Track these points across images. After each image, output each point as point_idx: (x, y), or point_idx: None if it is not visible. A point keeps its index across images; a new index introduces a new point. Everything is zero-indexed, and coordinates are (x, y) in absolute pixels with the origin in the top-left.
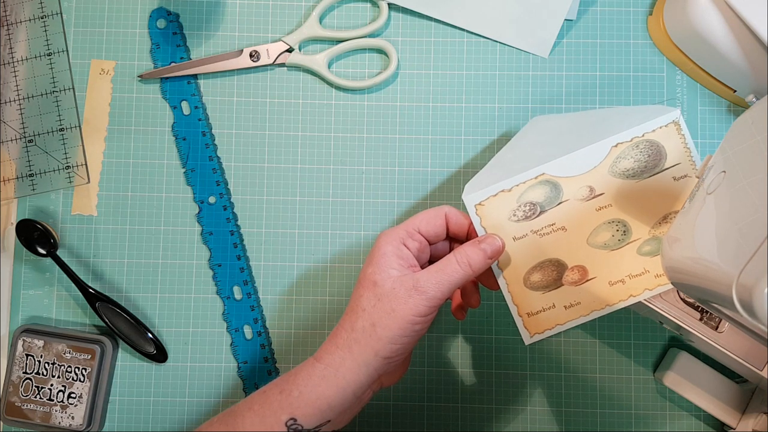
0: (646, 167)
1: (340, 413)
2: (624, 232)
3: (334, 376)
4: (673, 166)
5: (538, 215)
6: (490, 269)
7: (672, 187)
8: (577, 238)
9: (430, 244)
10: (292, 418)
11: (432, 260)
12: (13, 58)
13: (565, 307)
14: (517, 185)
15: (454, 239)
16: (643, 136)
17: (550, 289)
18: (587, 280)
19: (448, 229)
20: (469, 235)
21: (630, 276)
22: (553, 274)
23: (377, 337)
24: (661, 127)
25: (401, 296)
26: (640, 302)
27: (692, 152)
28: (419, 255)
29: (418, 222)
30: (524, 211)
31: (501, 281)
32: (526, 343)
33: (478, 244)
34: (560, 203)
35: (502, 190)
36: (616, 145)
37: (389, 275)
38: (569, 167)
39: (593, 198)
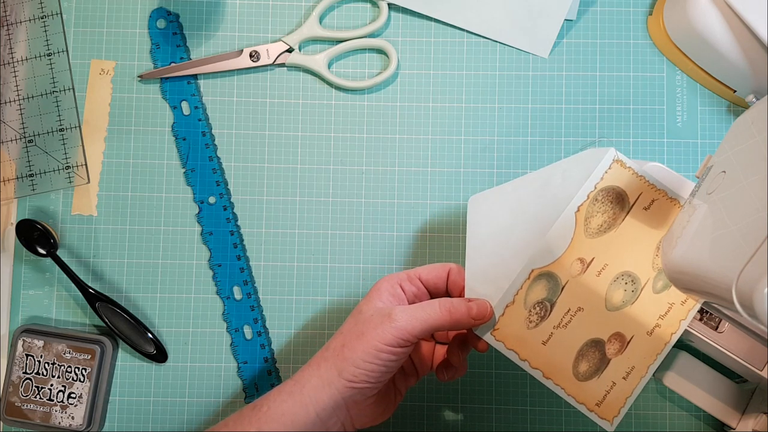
0: (615, 214)
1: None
2: (632, 282)
3: (299, 392)
4: (637, 198)
5: (551, 311)
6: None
7: (648, 217)
8: (596, 311)
9: (430, 294)
10: None
11: None
12: (13, 58)
13: (623, 378)
14: (516, 293)
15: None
16: (596, 188)
17: (602, 370)
18: (628, 343)
19: (448, 284)
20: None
21: (661, 317)
22: (597, 355)
23: (343, 357)
24: (606, 172)
25: (374, 322)
26: None
27: (647, 177)
28: (414, 300)
29: (420, 269)
30: (537, 313)
31: (559, 390)
32: (610, 431)
33: (468, 300)
34: (563, 288)
35: (507, 305)
36: (578, 210)
37: (374, 306)
38: (549, 252)
39: (588, 267)
